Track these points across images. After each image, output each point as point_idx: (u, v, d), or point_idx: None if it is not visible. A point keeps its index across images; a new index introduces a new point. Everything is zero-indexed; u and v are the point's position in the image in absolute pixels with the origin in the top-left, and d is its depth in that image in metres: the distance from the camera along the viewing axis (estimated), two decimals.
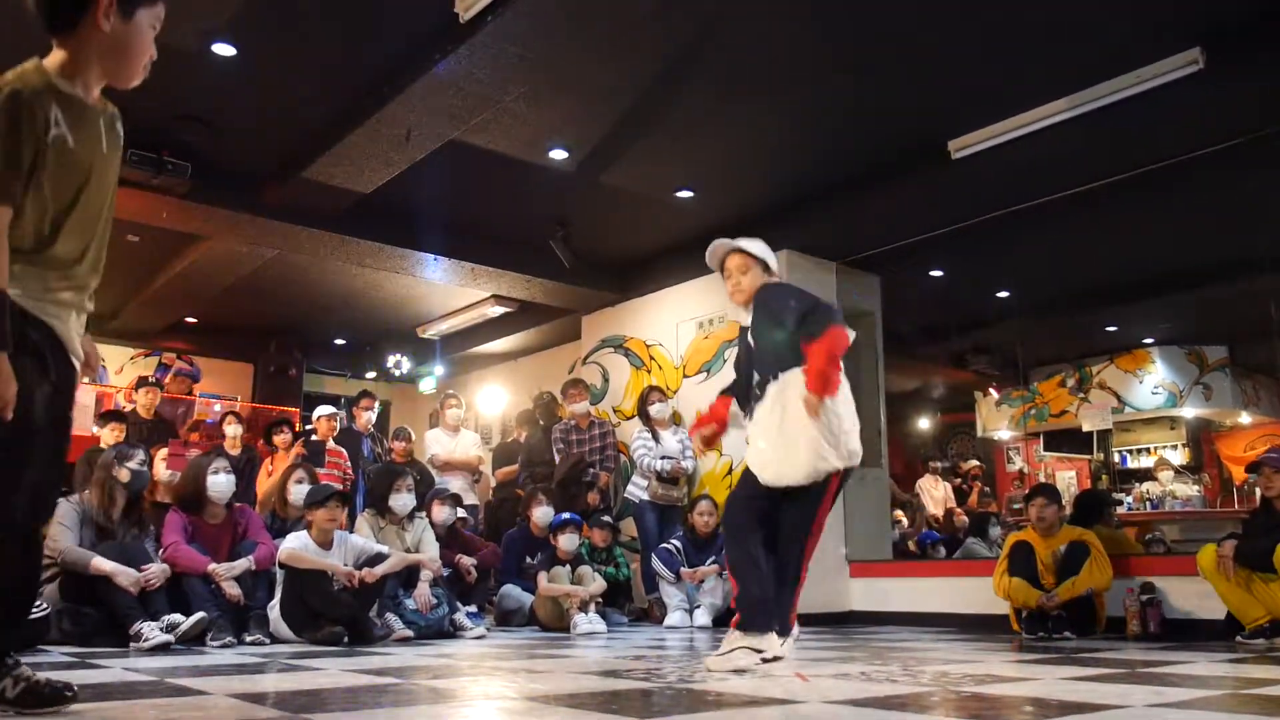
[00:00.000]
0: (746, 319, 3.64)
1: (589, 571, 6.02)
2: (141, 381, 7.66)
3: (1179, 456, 11.26)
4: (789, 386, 3.37)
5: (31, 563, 2.15)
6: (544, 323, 9.26)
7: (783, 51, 4.88)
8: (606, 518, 6.75)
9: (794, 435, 3.34)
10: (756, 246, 3.66)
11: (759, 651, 3.28)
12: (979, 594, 5.79)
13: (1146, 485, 10.39)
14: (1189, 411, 10.85)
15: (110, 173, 2.09)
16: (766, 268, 3.64)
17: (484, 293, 8.49)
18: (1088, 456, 11.87)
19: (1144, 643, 4.78)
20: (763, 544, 3.44)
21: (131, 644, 4.10)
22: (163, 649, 4.02)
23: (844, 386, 3.42)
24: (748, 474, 3.53)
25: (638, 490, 6.99)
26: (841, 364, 3.35)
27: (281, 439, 6.74)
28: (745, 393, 3.61)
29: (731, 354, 5.45)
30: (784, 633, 3.45)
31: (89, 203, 2.05)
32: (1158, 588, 5.22)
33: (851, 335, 3.38)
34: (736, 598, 3.42)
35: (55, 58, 2.00)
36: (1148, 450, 11.58)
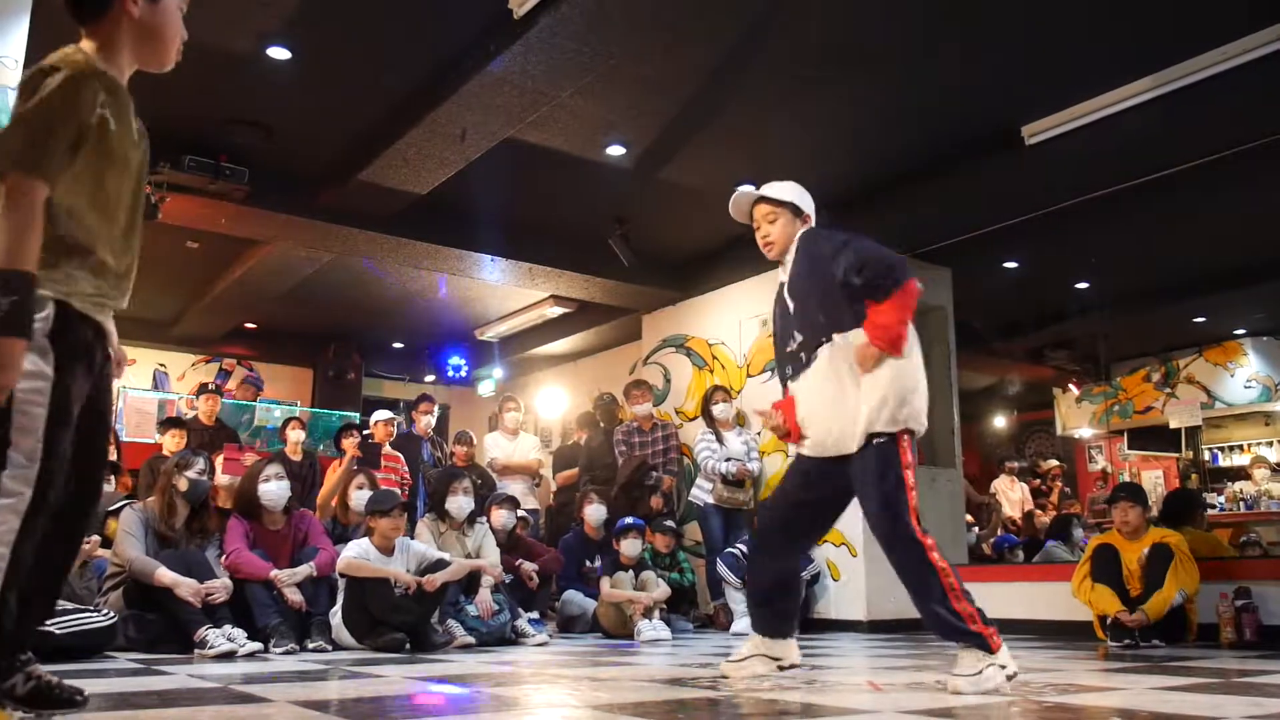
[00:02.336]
0: (784, 274, 3.25)
1: (652, 577, 5.91)
2: (202, 388, 7.78)
3: (1275, 453, 10.78)
4: (846, 350, 2.97)
5: (66, 552, 2.12)
6: (603, 323, 9.20)
7: (847, 36, 4.74)
8: (669, 522, 6.64)
9: (855, 405, 2.94)
10: (784, 190, 3.27)
11: (776, 660, 3.15)
12: (1061, 599, 5.56)
13: (1240, 484, 10.00)
14: None
15: (140, 165, 2.06)
16: (799, 212, 3.25)
17: (542, 293, 8.46)
18: (1175, 455, 11.50)
19: (1239, 651, 4.57)
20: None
21: (196, 651, 4.11)
22: (227, 657, 4.02)
23: (913, 341, 3.01)
24: (779, 498, 3.20)
25: (702, 493, 6.88)
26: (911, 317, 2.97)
27: (350, 443, 6.75)
28: (784, 358, 3.20)
29: None
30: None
31: (123, 192, 2.02)
32: (1254, 593, 4.93)
33: (921, 286, 2.98)
34: (953, 620, 2.85)
35: (88, 45, 1.99)
36: (1240, 447, 11.14)
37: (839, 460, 3.01)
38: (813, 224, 3.30)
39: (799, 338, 3.12)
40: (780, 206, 3.25)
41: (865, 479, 2.94)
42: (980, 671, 2.75)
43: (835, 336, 3.01)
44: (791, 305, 3.17)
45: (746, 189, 3.34)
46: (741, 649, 3.25)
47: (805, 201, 3.29)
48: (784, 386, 3.23)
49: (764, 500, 3.43)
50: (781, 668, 3.19)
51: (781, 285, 3.26)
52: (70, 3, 1.99)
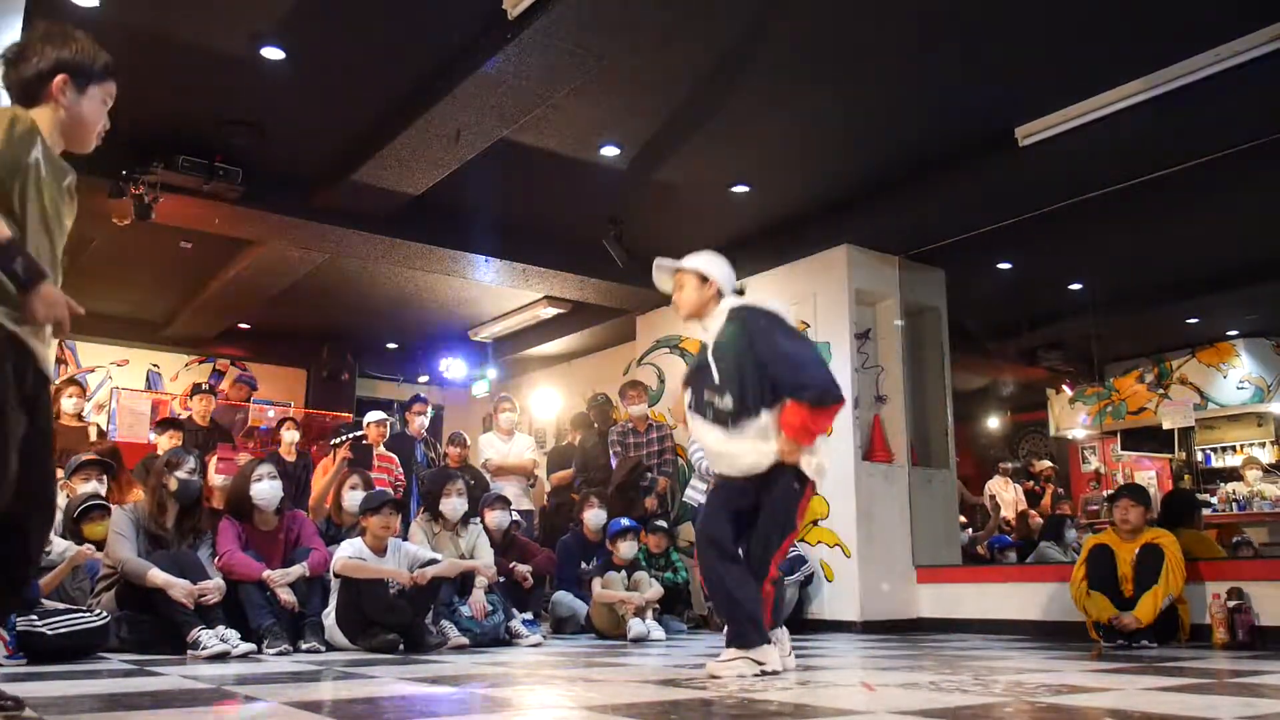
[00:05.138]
0: (704, 335, 3.58)
1: (645, 577, 5.91)
2: (196, 389, 7.76)
3: (1267, 455, 10.79)
4: (771, 430, 3.34)
5: (17, 568, 2.19)
6: (597, 323, 9.19)
7: (841, 37, 4.74)
8: (661, 523, 6.64)
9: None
10: (692, 262, 3.60)
11: (760, 664, 3.27)
12: (1054, 600, 5.58)
13: (1232, 485, 10.00)
14: (1277, 407, 10.43)
15: (66, 220, 2.24)
16: (705, 279, 3.56)
17: (536, 294, 8.45)
18: (1168, 455, 11.50)
19: (1232, 651, 4.57)
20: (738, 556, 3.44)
21: (189, 652, 4.10)
22: (220, 658, 4.01)
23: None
24: (719, 490, 3.53)
25: (696, 494, 6.86)
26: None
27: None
28: (705, 407, 3.47)
29: None
30: (765, 640, 3.36)
31: (49, 235, 2.18)
32: (1246, 593, 4.94)
33: (846, 403, 3.41)
34: (729, 615, 3.40)
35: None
36: (1233, 448, 11.14)
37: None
38: (721, 290, 3.57)
39: (722, 398, 3.39)
40: (689, 274, 3.58)
41: (774, 486, 3.41)
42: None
43: (764, 411, 3.33)
44: (715, 368, 3.44)
45: (661, 260, 3.68)
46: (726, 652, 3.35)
47: (718, 272, 3.58)
48: (696, 412, 3.52)
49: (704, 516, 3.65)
50: (764, 672, 3.24)
51: (704, 346, 3.56)
52: (10, 90, 2.24)
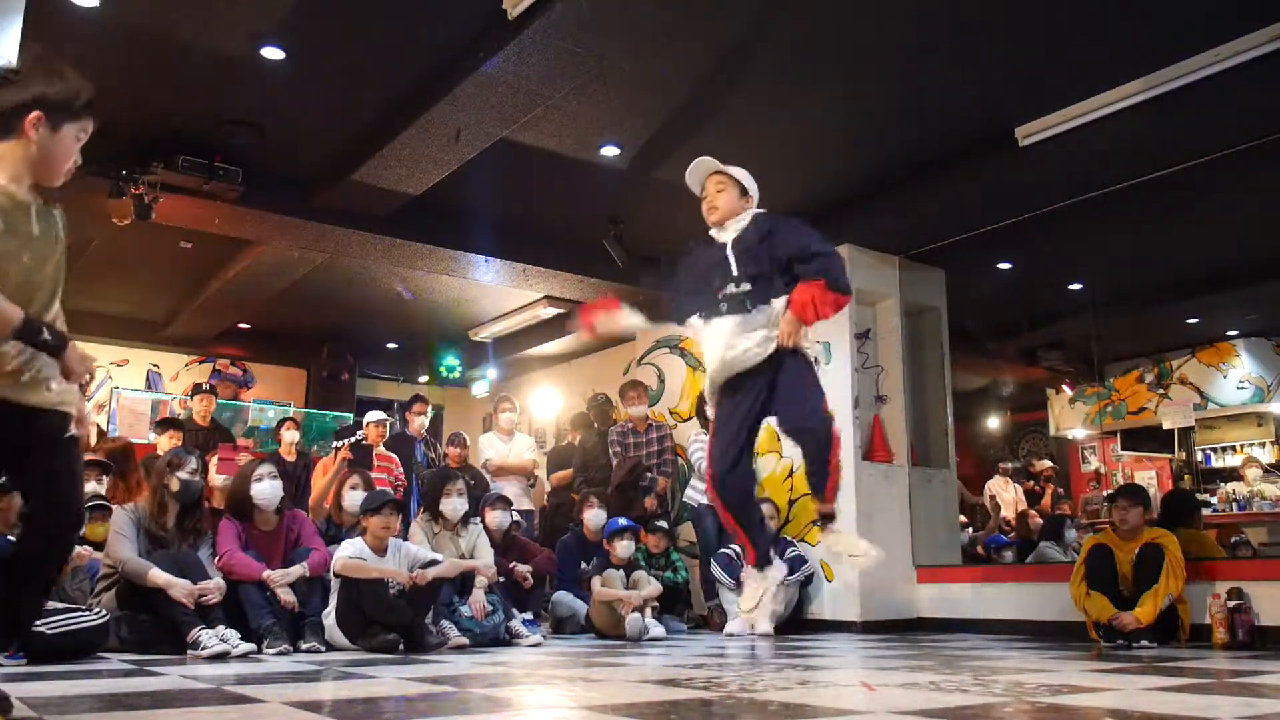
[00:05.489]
0: (725, 236, 3.71)
1: (644, 576, 5.91)
2: (196, 389, 7.77)
3: (1267, 454, 10.80)
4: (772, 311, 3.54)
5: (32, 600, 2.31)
6: None
7: (841, 37, 4.73)
8: (662, 523, 6.63)
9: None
10: (737, 171, 3.77)
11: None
12: (1054, 600, 5.58)
13: (1232, 485, 10.01)
14: (1277, 407, 10.44)
15: (47, 260, 2.25)
16: (744, 192, 3.75)
17: (536, 294, 8.45)
18: (1168, 455, 11.51)
19: (1232, 652, 4.57)
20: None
21: (189, 652, 4.10)
22: (220, 657, 4.01)
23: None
24: (725, 422, 3.66)
25: (696, 494, 6.88)
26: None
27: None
28: (717, 297, 3.64)
29: None
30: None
31: (38, 286, 2.22)
32: (1246, 593, 4.94)
33: (850, 299, 3.62)
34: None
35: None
36: (1233, 448, 11.15)
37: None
38: (752, 205, 3.77)
39: (746, 287, 3.59)
40: (731, 182, 3.75)
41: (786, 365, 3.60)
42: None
43: (773, 302, 3.53)
44: (734, 260, 3.62)
45: (708, 160, 3.79)
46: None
47: (752, 187, 3.78)
48: (702, 318, 3.72)
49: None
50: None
51: (724, 244, 3.70)
52: None
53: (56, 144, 2.24)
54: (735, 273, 3.60)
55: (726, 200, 3.72)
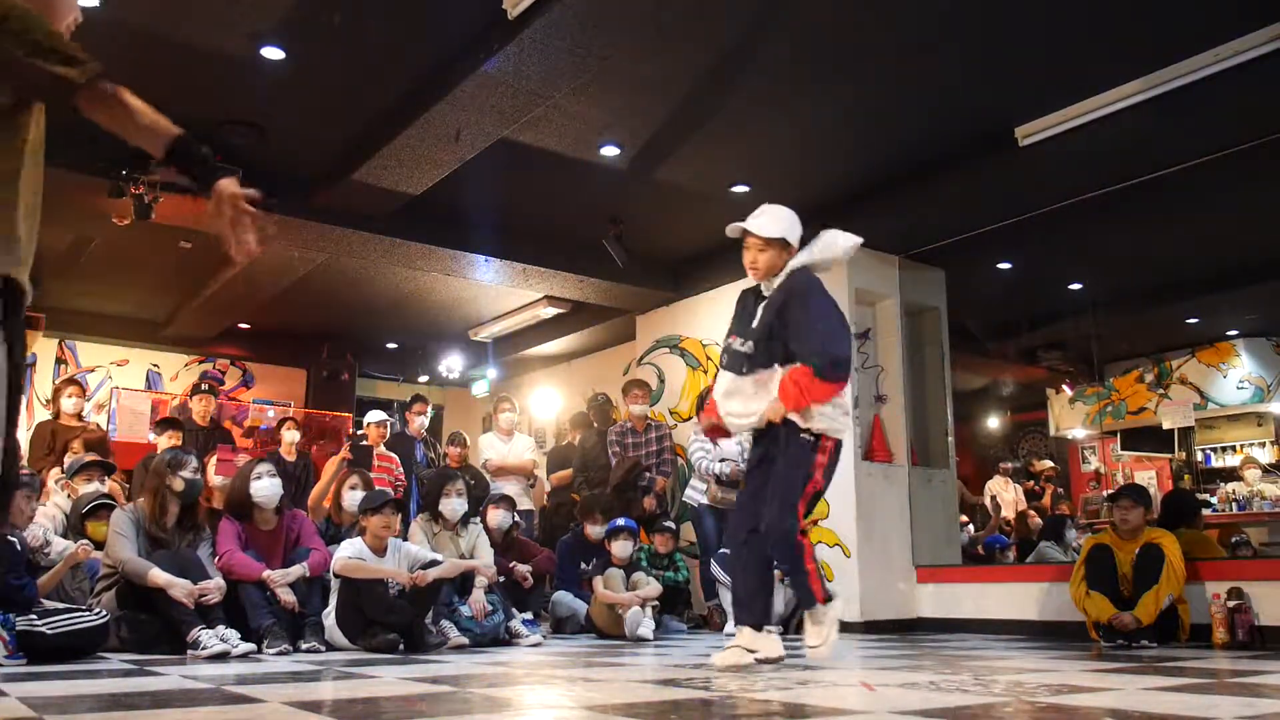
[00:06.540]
0: (766, 290, 3.73)
1: (644, 577, 5.90)
2: (196, 389, 7.76)
3: (1267, 454, 10.79)
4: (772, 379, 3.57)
5: None
6: (597, 323, 9.19)
7: (841, 37, 4.73)
8: (669, 523, 6.63)
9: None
10: (770, 225, 3.70)
11: (752, 651, 3.52)
12: (1054, 600, 5.58)
13: (1232, 485, 9.99)
14: (1277, 407, 10.43)
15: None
16: (786, 244, 3.70)
17: (536, 294, 8.45)
18: (1168, 455, 11.50)
19: (1232, 651, 4.57)
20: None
21: (189, 652, 4.10)
22: (220, 657, 4.01)
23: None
24: (749, 476, 3.73)
25: (696, 494, 6.87)
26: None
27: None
28: (733, 352, 3.67)
29: None
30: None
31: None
32: (1246, 593, 4.94)
33: (847, 389, 3.58)
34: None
35: None
36: (1233, 448, 11.15)
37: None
38: (796, 250, 3.73)
39: (749, 347, 3.62)
40: (770, 241, 3.70)
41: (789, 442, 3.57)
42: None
43: (775, 368, 3.56)
44: (758, 317, 3.64)
45: (735, 225, 3.78)
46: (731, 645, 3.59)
47: (792, 231, 3.74)
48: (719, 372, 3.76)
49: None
50: (758, 660, 3.43)
51: (759, 296, 3.74)
52: None
53: None
54: (747, 330, 3.63)
55: (770, 261, 3.71)
